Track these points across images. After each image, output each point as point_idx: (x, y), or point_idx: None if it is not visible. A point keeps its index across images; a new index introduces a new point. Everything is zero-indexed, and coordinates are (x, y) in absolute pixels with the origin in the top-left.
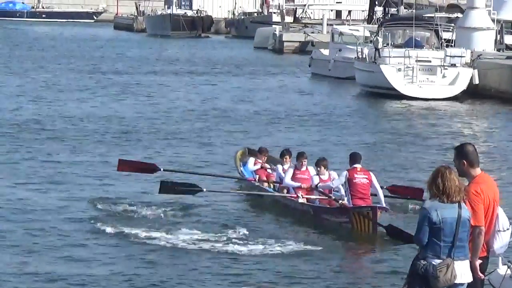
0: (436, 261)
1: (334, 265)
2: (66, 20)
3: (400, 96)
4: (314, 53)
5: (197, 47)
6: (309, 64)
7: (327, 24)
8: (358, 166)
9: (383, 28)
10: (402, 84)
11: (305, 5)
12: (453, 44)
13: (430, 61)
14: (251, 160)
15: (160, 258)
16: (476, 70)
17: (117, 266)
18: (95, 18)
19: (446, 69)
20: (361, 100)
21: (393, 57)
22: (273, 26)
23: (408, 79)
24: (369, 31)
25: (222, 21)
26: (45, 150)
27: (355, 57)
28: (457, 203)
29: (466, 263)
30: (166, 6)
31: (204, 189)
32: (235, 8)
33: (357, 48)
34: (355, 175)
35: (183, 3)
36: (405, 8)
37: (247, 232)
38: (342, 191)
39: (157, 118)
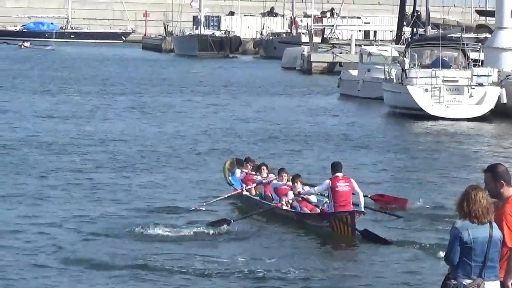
0: (467, 281)
1: (318, 267)
2: (95, 40)
3: (428, 117)
4: (343, 74)
5: (224, 67)
6: (338, 84)
7: (355, 45)
8: (340, 174)
9: (410, 49)
10: (429, 105)
11: (333, 26)
12: (480, 64)
13: (457, 81)
14: (238, 171)
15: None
16: (504, 89)
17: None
18: (124, 38)
19: (473, 88)
20: (389, 121)
21: (420, 77)
22: (301, 46)
23: (435, 99)
24: (398, 51)
25: (250, 42)
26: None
27: (383, 78)
28: (488, 223)
29: (497, 283)
30: (194, 26)
31: (232, 220)
32: (263, 28)
33: (385, 69)
34: (337, 184)
35: (211, 23)
36: (432, 28)
37: (235, 236)
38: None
39: (184, 137)
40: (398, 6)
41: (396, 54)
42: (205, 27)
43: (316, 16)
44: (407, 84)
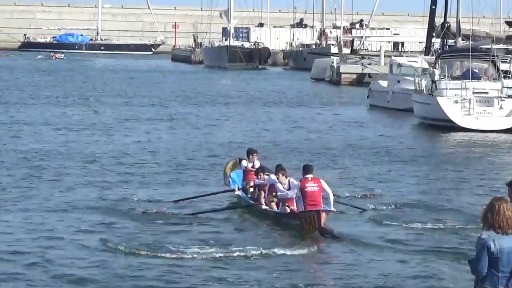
0: None
1: (285, 263)
2: (125, 52)
3: (458, 128)
4: (373, 85)
5: (254, 79)
6: (368, 95)
7: (384, 56)
8: (309, 176)
9: (440, 60)
10: (459, 116)
11: (362, 37)
12: (511, 76)
13: (487, 93)
14: (244, 162)
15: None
16: None
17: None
18: (153, 50)
19: (503, 100)
20: (419, 132)
21: (450, 89)
22: (331, 57)
23: (465, 111)
24: (427, 62)
25: (280, 53)
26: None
27: (413, 89)
28: None
29: None
30: (223, 38)
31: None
32: (292, 39)
33: (415, 80)
34: (306, 185)
35: (240, 35)
36: (462, 39)
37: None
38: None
39: (212, 149)
40: (428, 17)
41: (426, 65)
42: (235, 39)
43: (346, 28)
44: (437, 95)
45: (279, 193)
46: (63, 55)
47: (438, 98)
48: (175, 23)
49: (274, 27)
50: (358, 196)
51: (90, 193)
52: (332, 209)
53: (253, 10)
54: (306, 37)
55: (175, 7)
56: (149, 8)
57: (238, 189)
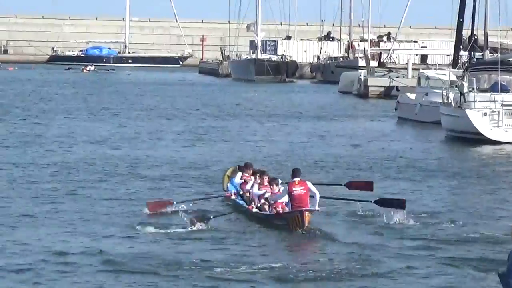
0: None
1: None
2: (152, 65)
3: (486, 141)
4: (401, 97)
5: (281, 92)
6: (396, 108)
7: (412, 69)
8: (297, 179)
9: (468, 73)
10: (488, 129)
11: (390, 50)
12: None
13: None
14: (239, 174)
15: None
16: None
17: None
18: (181, 63)
19: None
20: (447, 145)
21: (479, 101)
22: (358, 70)
23: (494, 124)
24: (455, 75)
25: (307, 66)
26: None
27: (441, 102)
28: None
29: None
30: (251, 51)
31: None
32: (320, 52)
33: (443, 93)
34: (293, 188)
35: (268, 48)
36: (490, 52)
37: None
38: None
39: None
40: (455, 30)
41: (454, 78)
42: (262, 52)
43: (373, 40)
44: (466, 108)
45: (270, 197)
46: (93, 67)
47: (467, 111)
48: (203, 36)
49: (301, 40)
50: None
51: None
52: (316, 208)
53: (281, 23)
54: (334, 50)
55: (202, 20)
56: (176, 21)
57: (234, 194)
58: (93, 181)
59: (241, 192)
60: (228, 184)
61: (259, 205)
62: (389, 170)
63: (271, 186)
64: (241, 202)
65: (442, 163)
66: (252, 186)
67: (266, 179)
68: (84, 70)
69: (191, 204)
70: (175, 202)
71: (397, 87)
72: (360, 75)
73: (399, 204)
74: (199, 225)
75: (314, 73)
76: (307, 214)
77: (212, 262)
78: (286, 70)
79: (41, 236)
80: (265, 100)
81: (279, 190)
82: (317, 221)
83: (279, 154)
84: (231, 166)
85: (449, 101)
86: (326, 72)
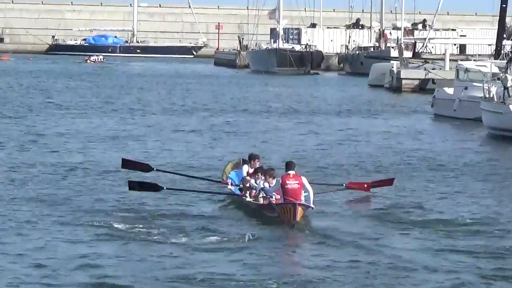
0: None
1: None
2: (163, 55)
3: None
4: (437, 92)
5: (305, 85)
6: (432, 104)
7: (450, 60)
8: (291, 172)
9: None
10: None
11: (425, 39)
12: None
13: None
14: (245, 167)
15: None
16: None
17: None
18: (194, 53)
19: None
20: (489, 144)
21: None
22: (390, 61)
23: None
24: (498, 67)
25: (334, 57)
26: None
27: (482, 96)
28: None
29: None
30: (272, 40)
31: (164, 187)
32: (348, 42)
33: (484, 87)
34: (287, 181)
35: (290, 36)
36: None
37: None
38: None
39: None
40: (498, 17)
41: (496, 70)
42: (284, 41)
43: (407, 29)
44: (510, 103)
45: (263, 187)
46: (100, 57)
47: (511, 107)
48: (219, 23)
49: (327, 28)
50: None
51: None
52: (311, 205)
53: (305, 9)
54: (364, 39)
55: (218, 6)
56: (190, 7)
57: (232, 185)
58: (87, 182)
59: (241, 186)
60: (228, 176)
61: (255, 194)
62: (424, 172)
63: (267, 179)
64: (236, 191)
65: (482, 164)
66: (256, 180)
67: (257, 163)
68: (88, 61)
69: (170, 177)
70: (155, 169)
71: (433, 80)
72: (393, 67)
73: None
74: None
75: (341, 65)
76: (300, 208)
77: (189, 257)
78: (310, 61)
79: (21, 240)
80: (288, 95)
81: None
82: (312, 219)
83: (305, 155)
84: (234, 160)
85: (491, 95)
86: (355, 64)
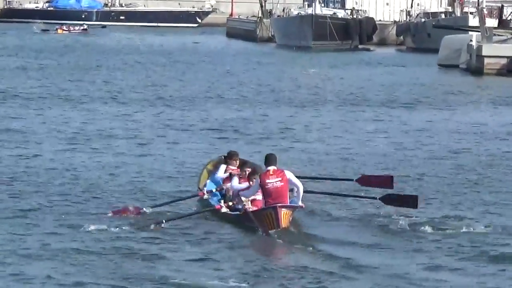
0: None
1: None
2: (155, 24)
3: None
4: None
5: (352, 65)
6: None
7: None
8: (271, 168)
9: None
10: None
11: None
12: None
13: None
14: (222, 167)
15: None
16: None
17: None
18: (199, 21)
19: None
20: None
21: None
22: (468, 33)
23: None
24: None
25: (391, 26)
26: None
27: None
28: None
29: None
30: (305, 3)
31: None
32: (411, 6)
33: None
34: (267, 180)
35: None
36: None
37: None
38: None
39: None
40: None
41: None
42: (323, 5)
43: None
44: None
45: (240, 192)
46: (79, 27)
47: None
48: None
49: None
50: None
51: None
52: (299, 204)
53: None
54: (431, 2)
55: None
56: None
57: (207, 193)
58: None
59: (224, 189)
60: (208, 181)
61: (234, 202)
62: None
63: (251, 179)
64: (213, 201)
65: None
66: (232, 178)
67: (247, 171)
68: (60, 31)
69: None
70: (147, 211)
71: None
72: (471, 41)
73: (411, 201)
74: (151, 228)
75: (401, 37)
76: (283, 211)
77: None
78: (359, 33)
79: None
80: (328, 79)
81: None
82: (302, 221)
83: (354, 158)
84: (214, 160)
85: None
86: (420, 36)
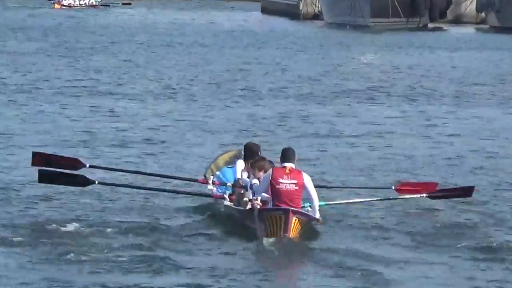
0: None
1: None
2: None
3: None
4: None
5: (419, 49)
6: None
7: None
8: (288, 165)
9: None
10: None
11: None
12: None
13: None
14: (240, 163)
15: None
16: None
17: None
18: None
19: None
20: None
21: None
22: None
23: None
24: None
25: (469, 1)
26: None
27: None
28: None
29: None
30: None
31: (96, 181)
32: None
33: None
34: (280, 179)
35: None
36: None
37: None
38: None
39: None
40: None
41: None
42: None
43: None
44: None
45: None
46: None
47: None
48: None
49: None
50: None
51: None
52: (317, 216)
53: None
54: None
55: None
56: None
57: (214, 184)
58: None
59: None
60: (218, 172)
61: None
62: None
63: (255, 167)
64: (217, 191)
65: None
66: (242, 173)
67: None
68: (56, 6)
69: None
70: (87, 165)
71: None
72: None
73: (465, 191)
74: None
75: (482, 13)
76: (296, 217)
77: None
78: (429, 8)
79: None
80: (392, 66)
81: None
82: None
83: (433, 163)
84: (232, 151)
85: None
86: (505, 12)
